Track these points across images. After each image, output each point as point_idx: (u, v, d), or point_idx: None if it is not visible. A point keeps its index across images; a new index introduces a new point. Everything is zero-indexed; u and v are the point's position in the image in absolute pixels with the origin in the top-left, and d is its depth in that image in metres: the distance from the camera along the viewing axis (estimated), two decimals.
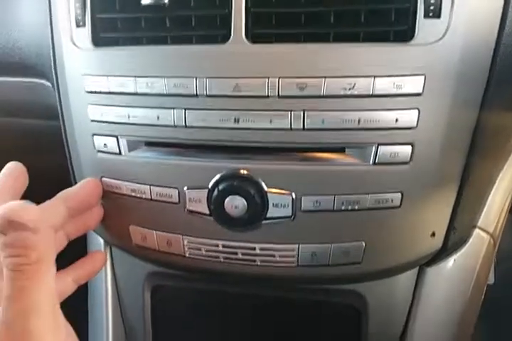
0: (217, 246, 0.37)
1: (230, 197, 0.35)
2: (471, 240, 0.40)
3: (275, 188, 0.35)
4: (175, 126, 0.35)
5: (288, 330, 0.46)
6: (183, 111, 0.34)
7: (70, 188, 0.37)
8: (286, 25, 0.33)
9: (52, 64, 0.40)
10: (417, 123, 0.32)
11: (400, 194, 0.34)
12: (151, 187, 0.37)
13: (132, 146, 0.37)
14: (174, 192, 0.36)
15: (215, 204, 0.35)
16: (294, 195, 0.34)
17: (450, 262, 0.40)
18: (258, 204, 0.35)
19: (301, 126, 0.33)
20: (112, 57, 0.36)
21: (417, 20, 0.32)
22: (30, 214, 0.29)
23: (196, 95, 0.34)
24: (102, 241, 0.47)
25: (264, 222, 0.35)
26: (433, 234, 0.37)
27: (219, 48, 0.33)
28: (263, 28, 0.33)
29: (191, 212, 0.37)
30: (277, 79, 0.32)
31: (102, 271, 0.43)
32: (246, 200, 0.35)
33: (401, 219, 0.35)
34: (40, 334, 0.29)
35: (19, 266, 0.29)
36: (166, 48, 0.35)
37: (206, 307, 0.46)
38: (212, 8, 0.34)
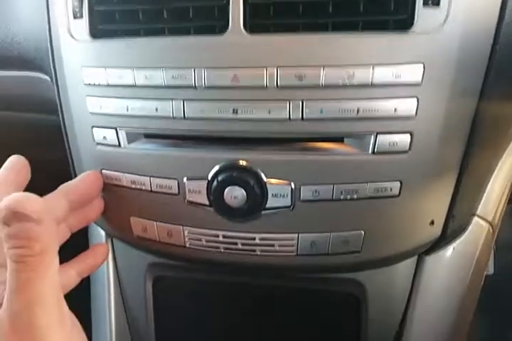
0: (218, 236, 0.37)
1: (229, 187, 0.35)
2: (470, 228, 0.40)
3: (274, 178, 0.35)
4: (173, 118, 0.35)
5: (288, 319, 0.46)
6: (182, 102, 0.34)
7: (70, 181, 0.37)
8: (284, 15, 0.33)
9: (50, 56, 0.40)
10: (416, 113, 0.32)
11: (398, 183, 0.34)
12: (151, 178, 0.37)
13: (131, 138, 0.37)
14: (174, 184, 0.37)
15: (215, 195, 0.35)
16: (293, 184, 0.35)
17: (449, 250, 0.41)
18: (257, 194, 0.35)
19: (300, 116, 0.33)
20: (109, 49, 0.36)
21: (416, 9, 0.31)
22: (34, 206, 0.29)
23: (194, 86, 0.34)
24: (103, 233, 0.47)
25: (263, 212, 0.36)
26: (432, 223, 0.37)
27: (217, 39, 0.33)
28: (261, 19, 0.33)
29: (191, 202, 0.37)
30: (276, 70, 0.32)
31: (104, 262, 0.43)
32: (245, 191, 0.35)
33: (400, 208, 0.35)
34: (45, 326, 0.29)
35: (23, 257, 0.29)
36: (164, 40, 0.35)
37: (207, 297, 0.47)
38: None
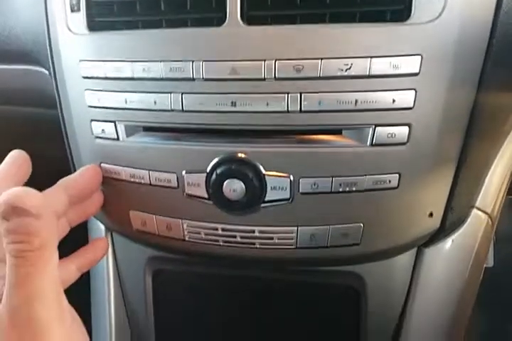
0: (217, 229, 0.37)
1: (228, 180, 0.35)
2: (468, 220, 0.41)
3: (273, 171, 0.35)
4: (172, 111, 0.35)
5: (288, 313, 0.46)
6: (180, 95, 0.34)
7: (70, 176, 0.37)
8: (281, 7, 0.33)
9: (48, 50, 0.40)
10: (414, 104, 0.32)
11: (397, 175, 0.34)
12: (150, 172, 0.37)
13: (130, 132, 0.37)
14: (173, 177, 0.37)
15: (214, 188, 0.35)
16: (291, 177, 0.35)
17: (448, 243, 0.41)
18: (256, 187, 0.35)
19: (298, 109, 0.33)
20: (107, 42, 0.36)
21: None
22: (33, 200, 0.29)
23: (193, 79, 0.34)
24: (102, 227, 0.47)
25: (262, 204, 0.36)
26: (431, 215, 0.37)
27: (215, 31, 0.33)
28: (259, 10, 0.33)
29: (190, 196, 0.37)
30: (274, 62, 0.32)
31: (103, 257, 0.43)
32: (244, 183, 0.35)
33: (399, 200, 0.35)
34: (44, 321, 0.29)
35: (22, 252, 0.29)
36: (162, 32, 0.34)
37: (206, 290, 0.47)
38: None
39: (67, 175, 0.37)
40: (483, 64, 0.33)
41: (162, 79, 0.34)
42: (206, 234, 0.38)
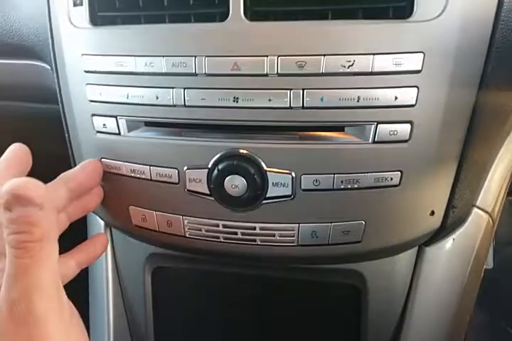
0: (218, 226, 0.37)
1: (229, 176, 0.35)
2: (469, 219, 0.41)
3: (275, 167, 0.35)
4: (174, 106, 0.35)
5: (289, 310, 0.46)
6: (182, 90, 0.34)
7: (70, 170, 0.37)
8: (284, 3, 0.33)
9: (50, 44, 0.40)
10: (416, 101, 0.32)
11: (399, 172, 0.34)
12: (151, 167, 0.37)
13: (132, 126, 0.37)
14: (174, 172, 0.36)
15: (215, 183, 0.35)
16: (293, 174, 0.35)
17: (449, 241, 0.41)
18: (258, 183, 0.35)
19: (301, 105, 0.33)
20: (110, 36, 0.36)
21: None
22: (37, 190, 0.29)
23: (195, 74, 0.34)
24: (102, 222, 0.47)
25: (264, 201, 0.35)
26: (432, 213, 0.37)
27: (217, 27, 0.33)
28: (261, 6, 0.33)
29: (191, 192, 0.37)
30: (276, 58, 0.32)
31: (103, 253, 0.43)
32: (246, 180, 0.35)
33: (400, 198, 0.35)
34: (43, 314, 0.29)
35: (22, 243, 0.29)
36: (165, 27, 0.34)
37: (206, 288, 0.47)
38: None
39: (67, 169, 0.37)
40: (485, 61, 0.33)
41: (164, 74, 0.34)
42: (207, 231, 0.38)
